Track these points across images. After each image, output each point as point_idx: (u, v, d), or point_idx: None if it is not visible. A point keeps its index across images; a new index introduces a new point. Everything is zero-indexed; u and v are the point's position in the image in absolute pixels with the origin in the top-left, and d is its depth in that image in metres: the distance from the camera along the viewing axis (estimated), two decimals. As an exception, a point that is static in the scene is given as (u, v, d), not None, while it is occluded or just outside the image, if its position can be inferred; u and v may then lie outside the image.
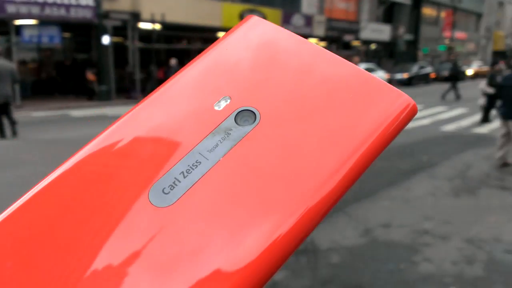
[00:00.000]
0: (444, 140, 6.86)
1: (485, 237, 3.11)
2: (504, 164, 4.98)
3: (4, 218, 0.26)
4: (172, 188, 0.27)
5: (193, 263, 0.24)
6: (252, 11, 15.32)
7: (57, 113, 10.23)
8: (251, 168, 0.27)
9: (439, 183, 4.49)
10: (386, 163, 5.01)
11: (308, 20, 17.86)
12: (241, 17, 14.90)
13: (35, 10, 10.98)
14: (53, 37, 11.93)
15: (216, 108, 0.30)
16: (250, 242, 0.24)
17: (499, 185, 4.47)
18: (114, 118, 0.31)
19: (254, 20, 0.35)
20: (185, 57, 15.42)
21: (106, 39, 12.23)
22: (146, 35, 13.36)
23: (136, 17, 12.71)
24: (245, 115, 0.30)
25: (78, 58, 14.20)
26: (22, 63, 12.79)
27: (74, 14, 11.63)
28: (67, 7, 11.47)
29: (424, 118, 8.93)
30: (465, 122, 8.61)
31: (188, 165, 0.27)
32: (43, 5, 11.06)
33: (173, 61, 11.71)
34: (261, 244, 0.24)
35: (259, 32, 0.35)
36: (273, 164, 0.27)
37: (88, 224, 0.25)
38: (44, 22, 11.50)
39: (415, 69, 20.04)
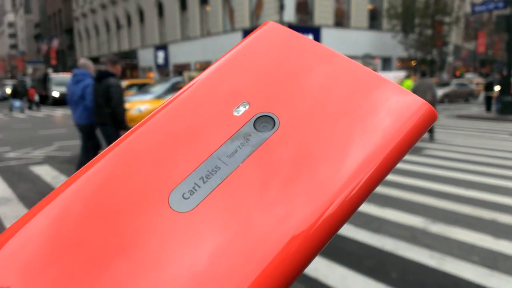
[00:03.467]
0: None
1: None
2: None
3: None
4: (192, 193, 0.26)
5: (214, 266, 0.23)
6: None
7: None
8: (270, 174, 0.27)
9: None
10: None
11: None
12: None
13: None
14: None
15: (235, 113, 0.30)
16: (269, 249, 0.24)
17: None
18: None
19: (271, 26, 0.35)
20: None
21: None
22: None
23: None
24: (264, 121, 0.29)
25: None
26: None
27: None
28: None
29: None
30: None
31: (208, 171, 0.27)
32: None
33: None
34: (279, 254, 0.24)
35: (276, 38, 0.34)
36: (292, 171, 0.27)
37: (108, 229, 0.25)
38: None
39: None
